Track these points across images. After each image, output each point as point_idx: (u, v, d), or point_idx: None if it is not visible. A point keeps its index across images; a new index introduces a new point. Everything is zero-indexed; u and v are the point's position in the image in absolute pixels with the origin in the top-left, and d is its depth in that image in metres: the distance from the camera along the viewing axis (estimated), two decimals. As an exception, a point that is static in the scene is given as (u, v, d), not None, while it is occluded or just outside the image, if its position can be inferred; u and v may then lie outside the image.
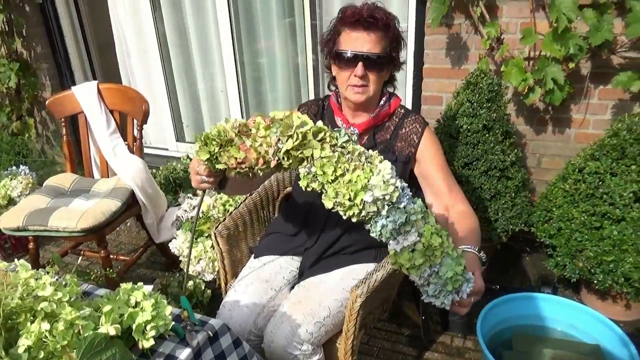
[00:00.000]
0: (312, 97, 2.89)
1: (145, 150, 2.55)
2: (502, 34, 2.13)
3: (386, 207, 1.02)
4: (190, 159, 3.00)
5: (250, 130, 1.07)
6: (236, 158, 1.07)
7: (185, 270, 1.43)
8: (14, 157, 3.43)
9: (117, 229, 2.52)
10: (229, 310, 1.45)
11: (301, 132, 1.03)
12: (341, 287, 1.43)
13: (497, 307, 1.68)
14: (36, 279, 0.86)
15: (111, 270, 1.83)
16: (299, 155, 1.04)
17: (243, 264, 1.69)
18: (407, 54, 2.40)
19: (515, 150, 2.11)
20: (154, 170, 2.66)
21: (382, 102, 1.47)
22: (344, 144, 1.05)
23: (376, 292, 1.36)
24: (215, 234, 1.60)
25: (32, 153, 3.60)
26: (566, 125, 2.29)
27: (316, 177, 1.04)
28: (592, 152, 1.96)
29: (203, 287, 2.16)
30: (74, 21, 3.41)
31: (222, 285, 1.69)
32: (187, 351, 0.97)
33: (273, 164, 1.06)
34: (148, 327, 0.91)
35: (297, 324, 1.34)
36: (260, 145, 1.05)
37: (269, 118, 1.07)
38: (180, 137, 3.41)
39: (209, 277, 2.10)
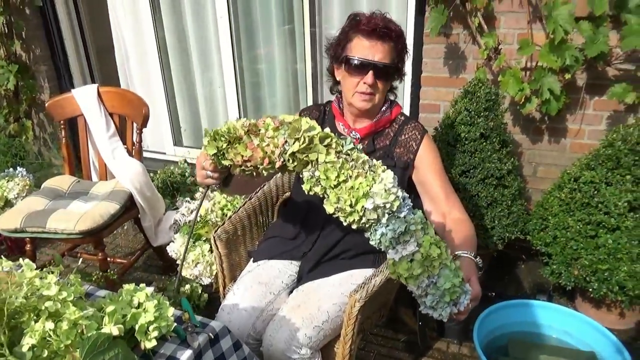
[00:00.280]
0: (310, 103, 2.91)
1: (143, 154, 2.56)
2: (500, 44, 2.16)
3: (386, 216, 1.04)
4: (188, 163, 3.01)
5: (260, 130, 1.09)
6: (242, 156, 1.09)
7: (179, 272, 1.43)
8: (11, 159, 3.42)
9: (114, 232, 2.52)
10: (227, 313, 1.45)
11: (308, 136, 1.05)
12: (340, 291, 1.44)
13: (493, 314, 1.69)
14: (41, 279, 0.87)
15: (112, 272, 1.84)
16: (304, 159, 1.06)
17: (241, 268, 1.69)
18: (406, 62, 2.42)
19: (512, 158, 2.13)
20: (151, 174, 2.66)
21: (383, 109, 1.49)
22: (349, 151, 1.07)
23: (374, 297, 1.37)
24: (214, 237, 1.61)
25: (29, 155, 3.59)
26: (562, 135, 2.32)
27: (319, 181, 1.06)
28: (588, 162, 1.99)
29: (200, 291, 2.17)
30: (74, 24, 3.42)
31: (221, 288, 1.70)
32: (188, 353, 0.98)
33: (278, 164, 1.08)
34: (150, 327, 0.92)
35: (296, 328, 1.34)
36: (268, 145, 1.07)
37: (278, 120, 1.09)
38: (178, 141, 3.42)
39: (206, 280, 2.10)
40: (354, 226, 1.07)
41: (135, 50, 3.20)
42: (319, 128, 1.07)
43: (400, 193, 1.05)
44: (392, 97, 1.55)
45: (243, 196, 2.12)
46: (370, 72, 1.37)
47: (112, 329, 0.87)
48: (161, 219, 2.48)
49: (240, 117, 3.12)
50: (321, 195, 1.08)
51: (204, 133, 1.15)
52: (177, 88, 3.26)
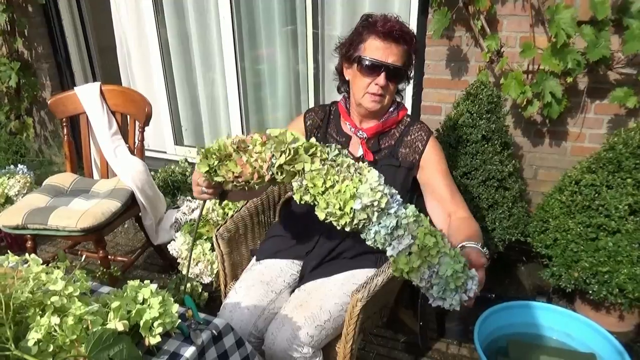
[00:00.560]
0: (312, 104, 2.91)
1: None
2: (502, 47, 2.17)
3: (376, 214, 1.07)
4: (188, 162, 3.02)
5: (248, 146, 1.14)
6: (233, 172, 1.14)
7: (185, 272, 1.44)
8: (12, 156, 3.43)
9: (115, 230, 2.52)
10: (229, 311, 1.45)
11: (293, 148, 1.10)
12: (342, 291, 1.44)
13: (493, 315, 1.70)
14: (47, 274, 0.87)
15: (116, 269, 1.84)
16: (291, 170, 1.10)
17: (243, 267, 1.70)
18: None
19: (513, 161, 2.14)
20: (152, 173, 2.66)
21: (391, 110, 1.51)
22: (334, 158, 1.11)
23: (376, 297, 1.38)
24: (216, 236, 1.62)
25: (29, 153, 3.59)
26: (563, 138, 2.33)
27: (307, 189, 1.10)
28: (589, 165, 1.99)
29: (200, 290, 2.17)
30: (76, 22, 3.42)
31: (222, 287, 1.70)
32: (191, 349, 0.98)
33: (267, 178, 1.12)
34: (155, 324, 0.92)
35: (298, 327, 1.35)
36: (256, 160, 1.12)
37: (265, 135, 1.13)
38: (179, 141, 3.42)
39: (206, 279, 2.10)
40: (347, 229, 1.10)
41: (137, 49, 3.21)
42: (303, 139, 1.12)
43: (387, 190, 1.08)
44: (398, 99, 1.56)
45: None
46: (383, 74, 1.38)
47: (117, 324, 0.88)
48: (162, 217, 2.48)
49: (241, 118, 3.14)
50: (311, 203, 1.12)
51: (197, 150, 1.18)
52: (179, 88, 3.26)
